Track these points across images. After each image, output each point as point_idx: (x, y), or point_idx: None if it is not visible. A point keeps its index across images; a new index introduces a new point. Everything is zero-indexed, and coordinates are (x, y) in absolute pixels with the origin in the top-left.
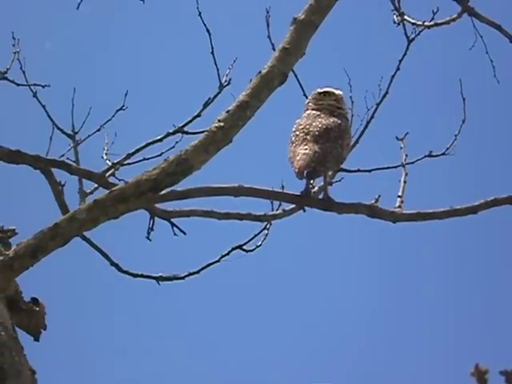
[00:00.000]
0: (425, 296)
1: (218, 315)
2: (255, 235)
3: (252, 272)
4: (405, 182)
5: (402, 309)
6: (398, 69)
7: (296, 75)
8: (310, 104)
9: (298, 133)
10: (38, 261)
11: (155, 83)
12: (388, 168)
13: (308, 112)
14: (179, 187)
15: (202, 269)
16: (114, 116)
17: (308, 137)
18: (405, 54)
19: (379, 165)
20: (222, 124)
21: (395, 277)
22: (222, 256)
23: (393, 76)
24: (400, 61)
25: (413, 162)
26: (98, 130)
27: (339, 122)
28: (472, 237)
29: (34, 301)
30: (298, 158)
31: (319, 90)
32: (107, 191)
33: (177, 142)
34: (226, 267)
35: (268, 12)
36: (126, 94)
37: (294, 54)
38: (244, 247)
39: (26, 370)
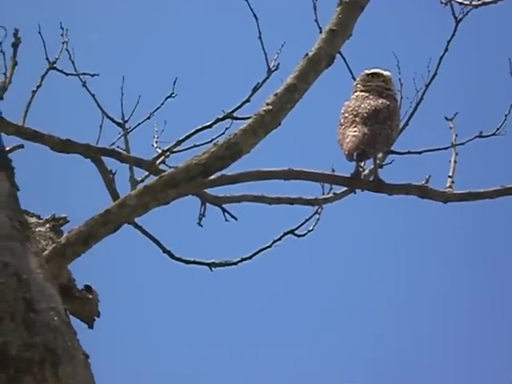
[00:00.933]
0: (481, 277)
1: (270, 301)
2: (307, 220)
3: (305, 257)
4: (455, 162)
5: (462, 293)
6: (446, 49)
7: (344, 57)
8: (359, 86)
9: (346, 115)
10: (89, 247)
11: (204, 69)
12: (438, 150)
13: (357, 94)
14: (229, 171)
15: (254, 254)
16: (163, 103)
17: (357, 118)
18: (453, 35)
19: (430, 146)
20: (270, 107)
21: (447, 259)
22: (274, 241)
23: (441, 57)
24: (448, 41)
25: (463, 143)
26: (148, 118)
27: (388, 103)
28: None
29: (88, 288)
30: (347, 140)
31: (367, 72)
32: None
33: (227, 128)
34: (279, 252)
35: None
36: (174, 82)
37: (340, 35)
38: (296, 232)
39: (79, 354)
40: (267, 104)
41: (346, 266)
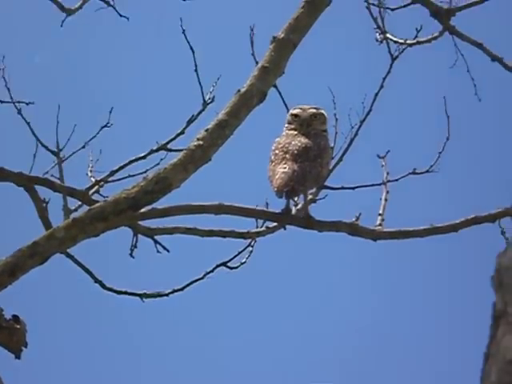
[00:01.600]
0: (405, 313)
1: (202, 331)
2: (239, 252)
3: (237, 289)
4: (386, 200)
5: (384, 325)
6: (381, 86)
7: (280, 93)
8: (287, 125)
9: (277, 151)
10: (16, 279)
11: (140, 100)
12: (371, 185)
13: (287, 132)
14: (159, 205)
15: (187, 286)
16: (98, 133)
17: (287, 155)
18: (388, 72)
19: (363, 182)
20: (201, 143)
21: (376, 293)
22: (207, 273)
23: (376, 94)
24: (384, 78)
25: (397, 180)
26: (83, 147)
27: (318, 140)
28: (453, 254)
29: (15, 318)
30: (277, 176)
31: (292, 112)
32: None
33: (161, 159)
34: (211, 284)
35: (252, 30)
36: (110, 111)
37: (273, 72)
38: (228, 264)
39: None
40: (198, 139)
41: (277, 298)
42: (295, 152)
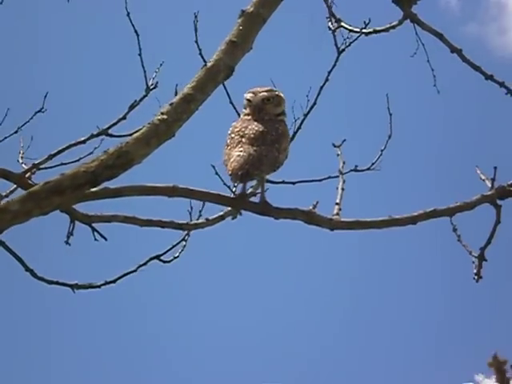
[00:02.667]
0: (360, 304)
1: (132, 324)
2: (173, 246)
3: (171, 281)
4: (342, 189)
5: (334, 317)
6: (326, 79)
7: (224, 86)
8: (243, 109)
9: (233, 135)
10: None
11: (79, 85)
12: (314, 181)
13: (242, 117)
14: (116, 184)
15: (119, 278)
16: (32, 118)
17: (243, 139)
18: (334, 65)
19: (310, 173)
20: (165, 117)
21: (331, 288)
22: (140, 266)
23: (321, 87)
24: (329, 72)
25: (336, 177)
26: (15, 132)
27: (276, 125)
28: (409, 248)
29: None
30: (232, 159)
31: (245, 96)
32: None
33: (98, 146)
34: (145, 276)
35: (196, 17)
36: (45, 96)
37: (241, 47)
38: (162, 257)
39: None
40: (162, 113)
41: (210, 292)
42: (252, 136)
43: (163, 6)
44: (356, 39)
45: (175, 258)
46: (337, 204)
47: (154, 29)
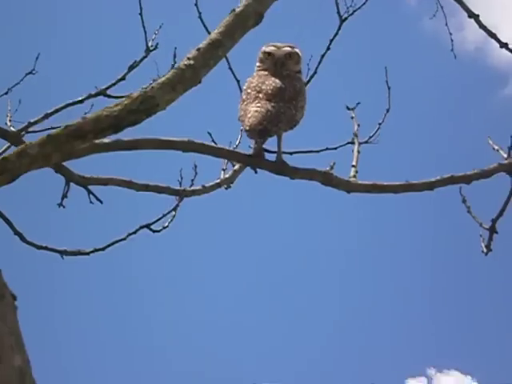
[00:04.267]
0: (373, 273)
1: (120, 294)
2: (163, 215)
3: (161, 250)
4: (358, 152)
5: (350, 286)
6: (328, 48)
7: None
8: (258, 64)
9: (249, 91)
10: None
11: (74, 45)
12: (329, 149)
13: (258, 72)
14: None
15: (108, 246)
16: (22, 80)
17: (260, 95)
18: (336, 34)
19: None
20: (191, 62)
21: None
22: (129, 234)
23: (322, 56)
24: (331, 41)
25: (335, 148)
26: (5, 94)
27: (294, 82)
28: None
29: None
30: (249, 115)
31: (264, 49)
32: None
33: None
34: (134, 244)
35: None
36: (37, 58)
37: None
38: (152, 227)
39: (7, 293)
40: (188, 58)
41: (202, 263)
42: (269, 92)
43: None
44: (359, 8)
45: (165, 227)
46: (353, 166)
47: None
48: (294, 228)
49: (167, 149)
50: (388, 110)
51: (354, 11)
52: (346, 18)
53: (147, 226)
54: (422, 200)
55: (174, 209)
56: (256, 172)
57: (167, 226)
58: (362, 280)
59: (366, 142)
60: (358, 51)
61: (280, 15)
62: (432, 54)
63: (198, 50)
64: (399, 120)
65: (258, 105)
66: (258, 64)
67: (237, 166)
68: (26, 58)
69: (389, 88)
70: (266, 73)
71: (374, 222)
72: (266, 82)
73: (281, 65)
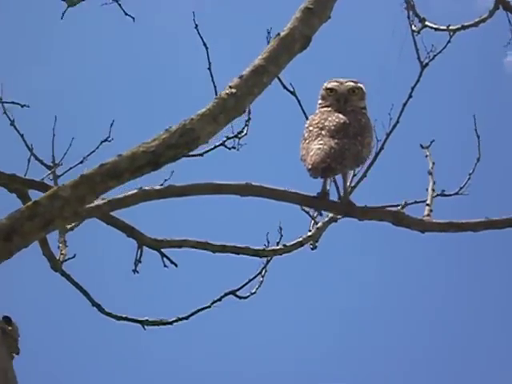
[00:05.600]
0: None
1: (208, 361)
2: (249, 280)
3: (247, 316)
4: (433, 190)
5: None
6: (410, 96)
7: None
8: (320, 101)
9: (311, 128)
10: (14, 246)
11: (144, 112)
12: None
13: (320, 109)
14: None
15: (192, 314)
16: (98, 147)
17: (323, 132)
18: (418, 81)
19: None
20: (234, 90)
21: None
22: (214, 301)
23: (404, 104)
24: (412, 88)
25: (423, 201)
26: (81, 162)
27: (359, 117)
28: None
29: (7, 320)
30: (311, 153)
31: (326, 85)
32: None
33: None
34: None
35: None
36: (111, 125)
37: (318, 15)
38: (237, 293)
39: None
40: (230, 87)
41: (290, 329)
42: (332, 128)
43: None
44: (440, 52)
45: (252, 293)
46: (427, 205)
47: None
48: (386, 283)
49: (223, 193)
50: (478, 160)
51: (435, 56)
52: (427, 64)
53: (233, 293)
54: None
55: (261, 272)
56: (321, 215)
57: (255, 292)
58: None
59: (457, 194)
60: (442, 96)
61: (360, 64)
62: None
63: (241, 77)
64: (488, 168)
65: (321, 142)
66: (319, 101)
67: (320, 224)
68: (101, 124)
69: (478, 137)
70: (330, 109)
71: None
72: (329, 118)
73: (344, 100)
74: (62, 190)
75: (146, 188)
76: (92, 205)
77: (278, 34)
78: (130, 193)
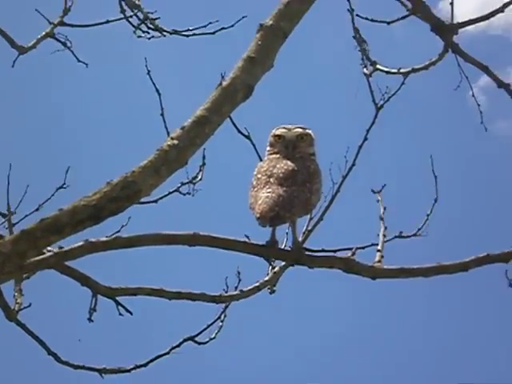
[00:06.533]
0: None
1: None
2: (208, 325)
3: (206, 361)
4: (384, 235)
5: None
6: (365, 139)
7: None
8: (269, 148)
9: (259, 176)
10: None
11: (101, 159)
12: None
13: (269, 156)
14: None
15: (151, 361)
16: (53, 194)
17: (272, 179)
18: (373, 123)
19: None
20: (175, 142)
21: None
22: (173, 348)
23: (360, 146)
24: (367, 130)
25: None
26: (37, 210)
27: (307, 164)
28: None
29: None
30: (259, 201)
31: (275, 132)
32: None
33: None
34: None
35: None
36: (67, 171)
37: (260, 64)
38: (196, 339)
39: None
40: (172, 138)
41: (250, 372)
42: (280, 175)
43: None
44: (394, 94)
45: (211, 339)
46: (378, 251)
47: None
48: (346, 325)
49: (170, 244)
50: (436, 200)
51: (389, 98)
52: (381, 106)
53: (192, 339)
54: (453, 281)
55: (220, 317)
56: (272, 263)
57: (214, 338)
58: (408, 368)
59: (415, 235)
60: (398, 137)
61: (315, 107)
62: (476, 139)
63: (183, 128)
64: (447, 211)
65: (269, 190)
66: (268, 148)
67: (277, 268)
68: (56, 171)
69: (435, 177)
70: (278, 156)
71: (409, 304)
72: (278, 166)
73: (293, 147)
74: (2, 246)
75: (93, 240)
76: (38, 258)
77: (220, 84)
78: (76, 245)
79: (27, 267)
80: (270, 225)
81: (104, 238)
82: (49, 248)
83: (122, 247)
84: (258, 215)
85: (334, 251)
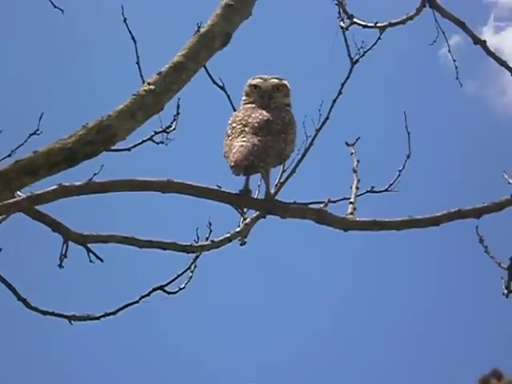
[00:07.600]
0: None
1: (135, 358)
2: (178, 275)
3: (175, 311)
4: (357, 188)
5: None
6: (339, 93)
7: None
8: (245, 97)
9: (234, 125)
10: None
11: (76, 105)
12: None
13: (244, 105)
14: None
15: (120, 309)
16: (26, 141)
17: (246, 129)
18: (348, 77)
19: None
20: (152, 87)
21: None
22: (142, 297)
23: (334, 100)
24: (342, 84)
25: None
26: (9, 156)
27: (283, 114)
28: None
29: None
30: (234, 150)
31: (251, 82)
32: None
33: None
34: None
35: None
36: (40, 117)
37: (239, 11)
38: (166, 288)
39: None
40: (149, 83)
41: (219, 323)
42: (255, 125)
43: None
44: (370, 49)
45: (181, 289)
46: (351, 203)
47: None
48: (318, 277)
49: (144, 190)
50: (408, 156)
51: (365, 52)
52: (357, 61)
53: (161, 288)
54: (428, 237)
55: (190, 268)
56: (243, 213)
57: (184, 288)
58: (376, 324)
59: (387, 190)
60: (373, 93)
61: (291, 60)
62: (447, 97)
63: (159, 73)
64: (419, 167)
65: (244, 139)
66: (243, 98)
67: (248, 219)
68: (29, 118)
69: (408, 133)
70: (253, 105)
71: (379, 259)
72: (253, 115)
73: (268, 97)
74: None
75: (66, 184)
76: (10, 200)
77: (198, 31)
78: (49, 188)
79: None
80: (243, 173)
81: (77, 183)
82: (20, 193)
83: (96, 192)
84: (232, 164)
85: (306, 204)
